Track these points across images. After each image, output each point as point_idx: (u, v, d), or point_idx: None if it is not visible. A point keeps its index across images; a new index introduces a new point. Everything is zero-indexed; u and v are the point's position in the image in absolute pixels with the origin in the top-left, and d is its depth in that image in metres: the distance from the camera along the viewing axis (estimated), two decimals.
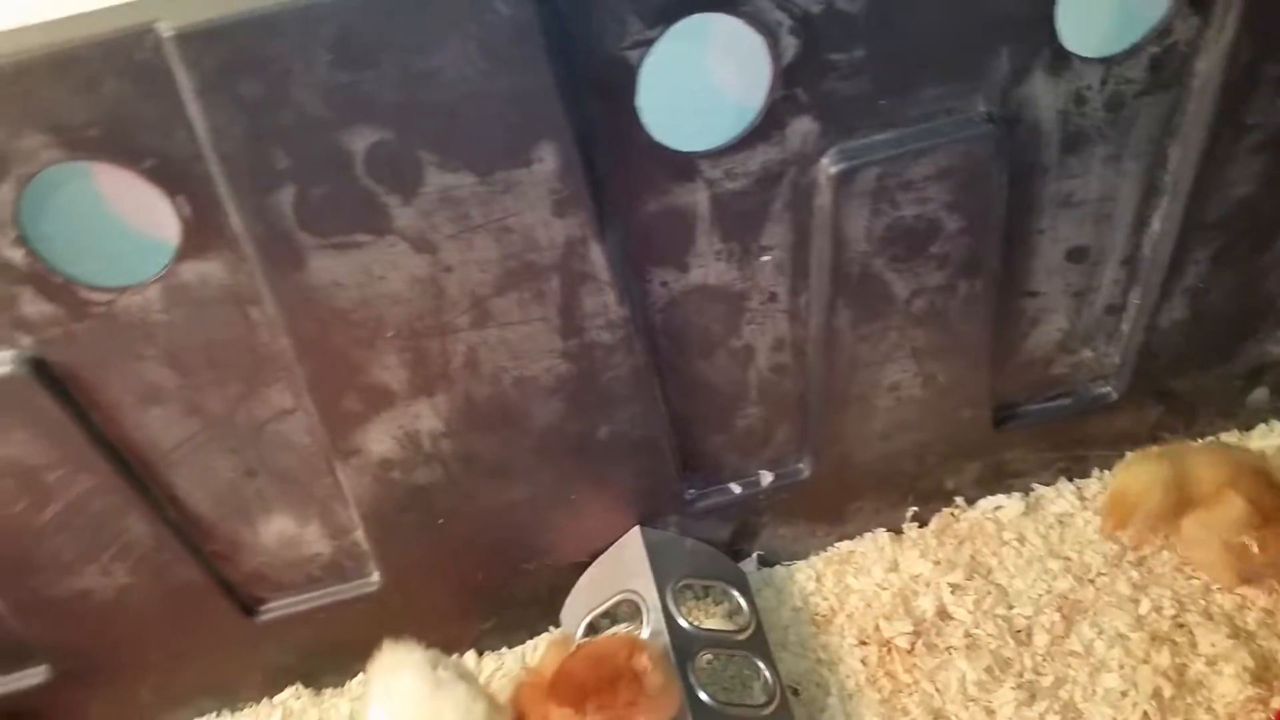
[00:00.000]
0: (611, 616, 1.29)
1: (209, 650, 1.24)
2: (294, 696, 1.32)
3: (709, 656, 1.21)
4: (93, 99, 0.81)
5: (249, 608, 1.22)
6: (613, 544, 1.28)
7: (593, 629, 1.26)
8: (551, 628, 1.33)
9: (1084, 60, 1.01)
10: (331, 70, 0.83)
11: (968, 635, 1.26)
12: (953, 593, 1.29)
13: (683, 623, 1.18)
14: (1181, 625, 1.24)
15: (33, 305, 0.92)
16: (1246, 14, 0.99)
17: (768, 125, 0.98)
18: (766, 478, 1.29)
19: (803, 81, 0.96)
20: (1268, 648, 1.20)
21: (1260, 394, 1.39)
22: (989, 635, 1.25)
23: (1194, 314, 1.24)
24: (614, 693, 1.05)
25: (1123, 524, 1.21)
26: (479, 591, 1.28)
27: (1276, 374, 1.37)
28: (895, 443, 1.28)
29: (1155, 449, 1.26)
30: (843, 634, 1.29)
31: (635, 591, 1.22)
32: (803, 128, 0.99)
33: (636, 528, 1.26)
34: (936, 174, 1.03)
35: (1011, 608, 1.28)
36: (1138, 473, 1.22)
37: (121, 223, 0.94)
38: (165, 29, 0.79)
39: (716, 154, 0.99)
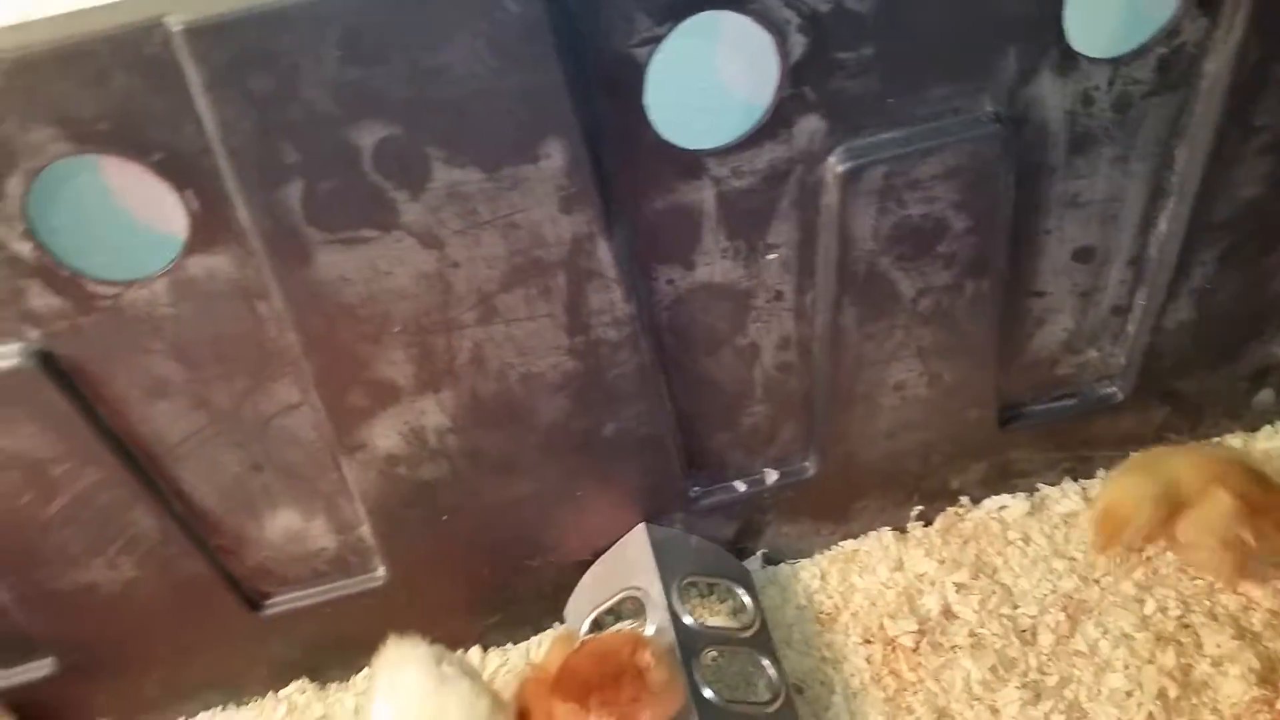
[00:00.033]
0: (616, 613, 1.29)
1: (214, 644, 1.24)
2: (299, 691, 1.32)
3: (714, 654, 1.21)
4: (102, 93, 0.81)
5: (254, 602, 1.22)
6: (617, 541, 1.28)
7: (597, 625, 1.26)
8: (556, 624, 1.33)
9: (1092, 61, 1.01)
10: (341, 66, 0.83)
11: (972, 634, 1.26)
12: (957, 592, 1.30)
13: (687, 620, 1.18)
14: (1187, 626, 1.24)
15: (40, 298, 0.92)
16: (1255, 15, 0.99)
17: (775, 123, 0.98)
18: (771, 476, 1.29)
19: (810, 79, 0.96)
20: (1273, 649, 1.20)
21: (1266, 395, 1.39)
22: (994, 634, 1.25)
23: (1200, 315, 1.24)
24: (618, 689, 1.05)
25: (1114, 541, 1.20)
26: (484, 587, 1.28)
27: None
28: (900, 442, 1.28)
29: (1137, 458, 1.26)
30: (847, 632, 1.29)
31: (640, 588, 1.22)
32: (810, 126, 0.99)
33: (642, 525, 1.26)
34: (944, 173, 1.03)
35: (1016, 607, 1.28)
36: (1123, 488, 1.22)
37: (129, 216, 0.94)
38: (174, 23, 0.79)
39: (724, 152, 0.99)
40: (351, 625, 1.22)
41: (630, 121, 0.95)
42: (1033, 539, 1.35)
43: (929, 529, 1.38)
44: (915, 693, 1.22)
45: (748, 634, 1.24)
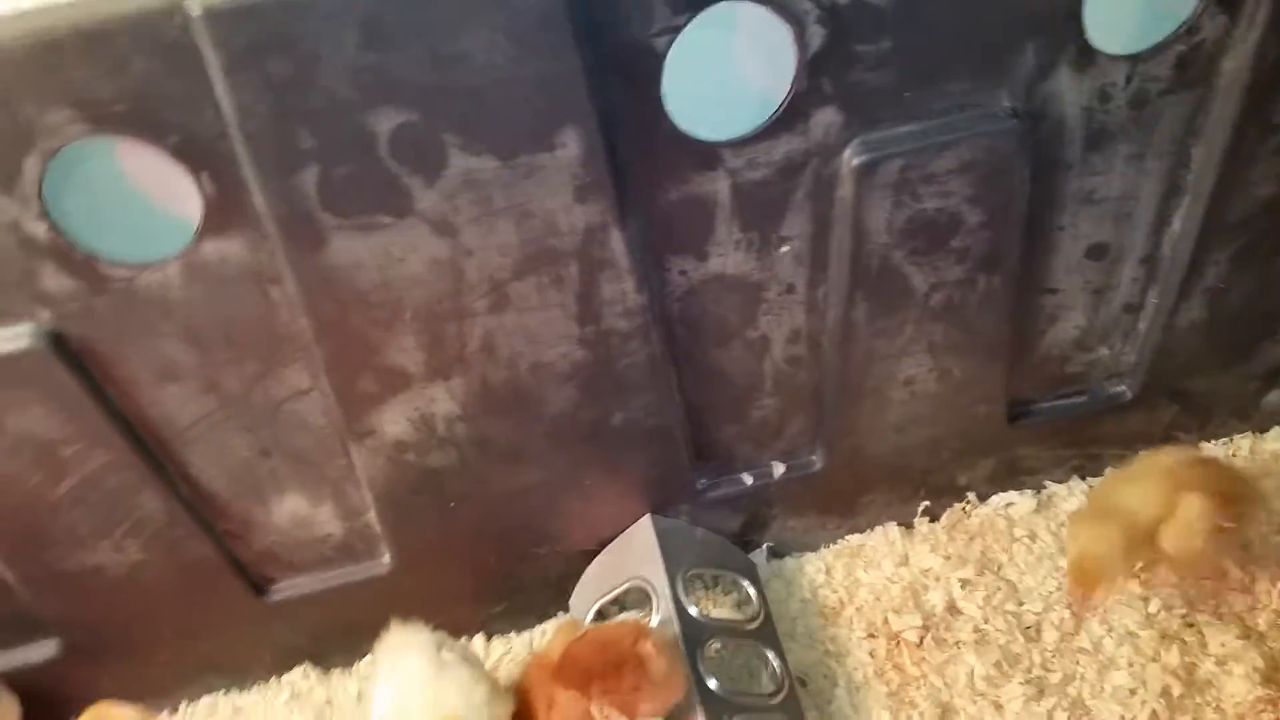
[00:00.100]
0: (621, 603, 1.29)
1: (219, 628, 1.24)
2: (303, 676, 1.32)
3: (718, 645, 1.21)
4: (120, 76, 0.81)
5: (260, 587, 1.22)
6: (623, 531, 1.28)
7: (602, 615, 1.26)
8: (561, 613, 1.34)
9: (1110, 57, 1.01)
10: (359, 51, 0.82)
11: (977, 630, 1.26)
12: (963, 588, 1.30)
13: (692, 611, 1.18)
14: (1191, 625, 1.24)
15: (53, 279, 0.92)
16: (1275, 13, 0.98)
17: (792, 115, 0.98)
18: (778, 469, 1.29)
19: (828, 72, 0.95)
20: (1278, 649, 1.20)
21: (1276, 396, 1.38)
22: (998, 631, 1.25)
23: (1212, 314, 1.24)
24: (619, 677, 1.05)
25: (1092, 590, 1.15)
26: (490, 575, 1.28)
27: None
28: (909, 437, 1.28)
29: (1091, 500, 1.25)
30: (851, 626, 1.29)
31: (645, 579, 1.22)
32: (826, 118, 0.99)
33: (648, 515, 1.26)
34: (959, 168, 1.03)
35: (1021, 604, 1.28)
36: (1088, 536, 1.17)
37: (144, 200, 0.93)
38: (194, 7, 0.79)
39: (739, 143, 0.99)
40: (357, 611, 1.22)
41: (646, 111, 0.94)
42: (1039, 536, 1.35)
43: (935, 525, 1.38)
44: (919, 687, 1.22)
45: (752, 626, 1.24)
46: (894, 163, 1.01)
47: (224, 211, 0.91)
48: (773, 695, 1.18)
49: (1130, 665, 1.21)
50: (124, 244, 0.92)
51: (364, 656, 1.32)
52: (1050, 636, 1.25)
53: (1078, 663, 1.22)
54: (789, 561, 1.37)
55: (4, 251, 0.89)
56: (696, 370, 1.16)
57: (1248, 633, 1.21)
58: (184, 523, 1.11)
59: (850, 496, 1.34)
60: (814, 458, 1.29)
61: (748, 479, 1.29)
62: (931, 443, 1.30)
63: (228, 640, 1.26)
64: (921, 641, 1.26)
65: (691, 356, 1.15)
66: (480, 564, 1.27)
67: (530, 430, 1.14)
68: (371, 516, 1.19)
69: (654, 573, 1.22)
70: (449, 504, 1.18)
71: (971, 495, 1.38)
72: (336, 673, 1.33)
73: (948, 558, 1.33)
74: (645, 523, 1.27)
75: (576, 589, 1.31)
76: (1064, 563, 1.29)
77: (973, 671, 1.22)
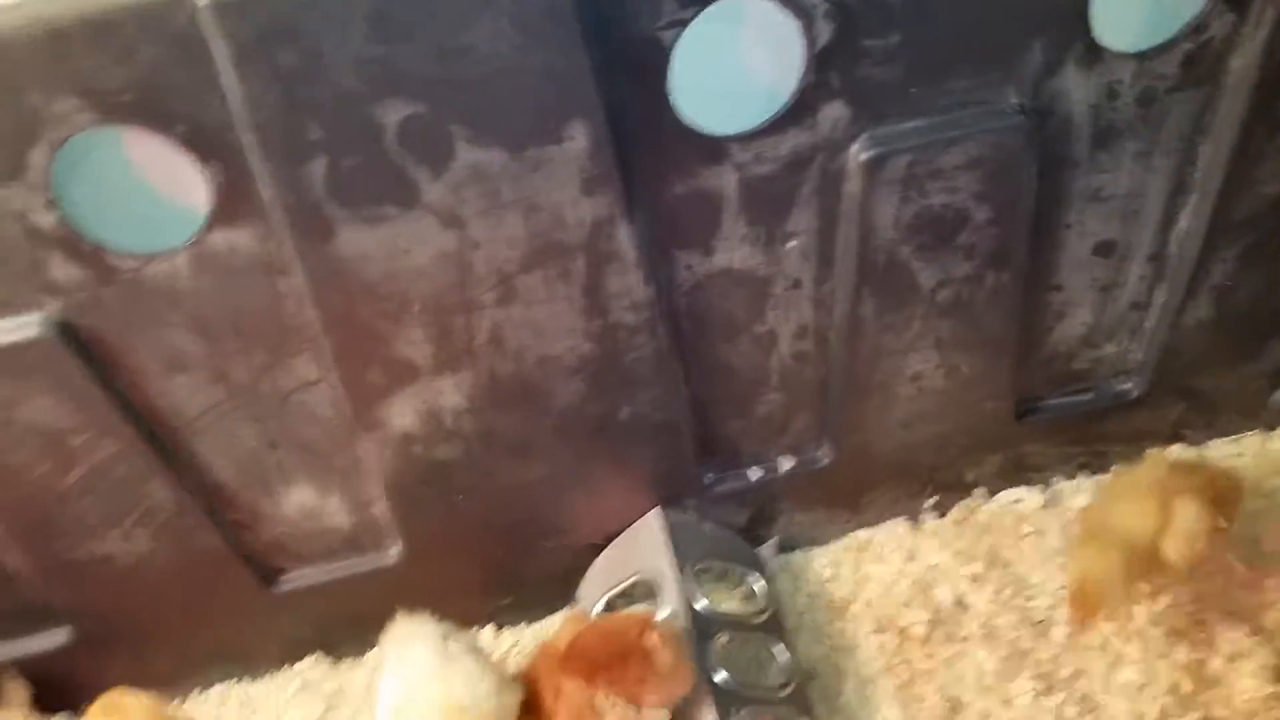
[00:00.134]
0: (629, 596, 1.29)
1: (228, 618, 1.25)
2: (313, 666, 1.33)
3: (725, 638, 1.21)
4: (127, 65, 0.81)
5: (268, 578, 1.23)
6: (631, 525, 1.28)
7: (609, 608, 1.26)
8: (569, 606, 1.34)
9: (1117, 55, 1.01)
10: (367, 43, 0.83)
11: (985, 625, 1.26)
12: (971, 583, 1.29)
13: (700, 604, 1.18)
14: (1201, 621, 1.23)
15: (62, 269, 0.92)
16: None
17: (799, 110, 0.98)
18: (785, 464, 1.29)
19: (836, 66, 0.95)
20: None
21: None
22: (1007, 626, 1.25)
23: (1219, 312, 1.24)
24: (624, 668, 1.05)
25: (1093, 615, 1.14)
26: (498, 568, 1.29)
27: None
28: (916, 433, 1.28)
29: (1086, 522, 1.22)
30: (859, 621, 1.29)
31: (653, 571, 1.22)
32: (834, 113, 0.99)
33: (656, 508, 1.26)
34: (966, 163, 1.03)
35: (1030, 599, 1.28)
36: (1087, 559, 1.15)
37: (152, 190, 0.94)
38: None
39: (747, 138, 0.99)
40: (365, 603, 1.22)
41: (653, 105, 0.94)
42: (1047, 532, 1.34)
43: (943, 520, 1.38)
44: (927, 682, 1.22)
45: (760, 620, 1.24)
46: (901, 158, 1.01)
47: (232, 202, 0.91)
48: (781, 689, 1.18)
49: (1140, 661, 1.21)
50: (132, 234, 0.92)
51: (374, 647, 1.30)
52: (1059, 632, 1.24)
53: (1086, 658, 1.22)
54: (797, 556, 1.37)
55: (12, 241, 0.89)
56: (703, 365, 1.16)
57: (1258, 630, 1.21)
58: (193, 513, 1.12)
59: (857, 492, 1.34)
60: (821, 453, 1.29)
61: (754, 474, 1.29)
62: (939, 439, 1.30)
63: (237, 630, 1.27)
64: (930, 636, 1.26)
65: (698, 351, 1.15)
66: (488, 556, 1.27)
67: (537, 424, 1.14)
68: (380, 508, 1.19)
69: (661, 566, 1.22)
70: (457, 496, 1.18)
71: (979, 491, 1.38)
72: (347, 663, 1.34)
73: (956, 553, 1.33)
74: (654, 515, 1.27)
75: (584, 582, 1.31)
76: None
77: (981, 666, 1.22)
